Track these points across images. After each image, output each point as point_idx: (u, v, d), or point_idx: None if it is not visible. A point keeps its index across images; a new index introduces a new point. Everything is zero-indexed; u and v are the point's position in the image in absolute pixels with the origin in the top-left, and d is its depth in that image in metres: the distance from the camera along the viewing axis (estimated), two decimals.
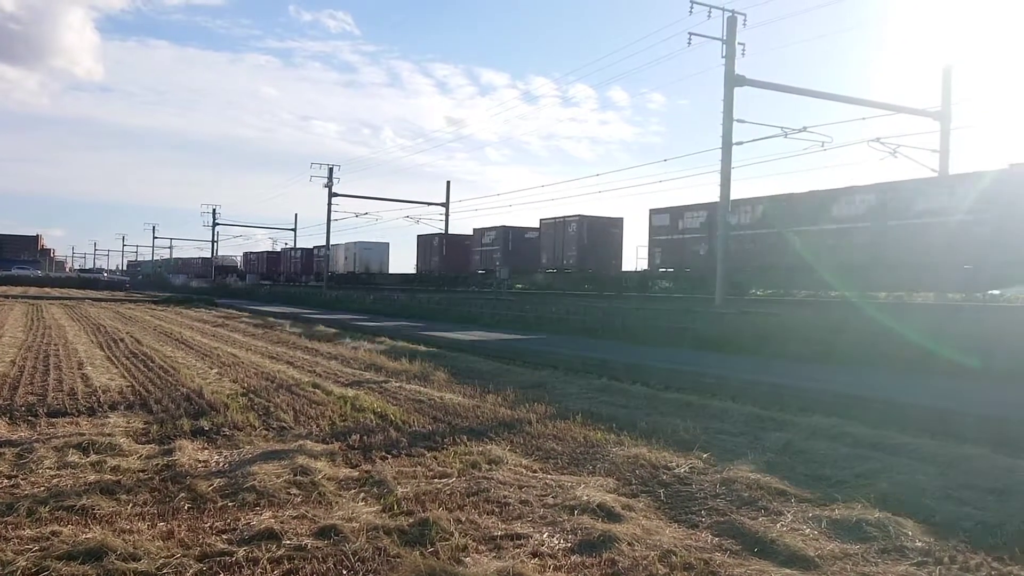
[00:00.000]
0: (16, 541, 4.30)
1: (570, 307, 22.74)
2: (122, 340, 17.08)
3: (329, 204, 52.69)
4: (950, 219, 19.27)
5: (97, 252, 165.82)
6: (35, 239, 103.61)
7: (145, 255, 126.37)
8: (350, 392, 10.00)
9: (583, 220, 33.53)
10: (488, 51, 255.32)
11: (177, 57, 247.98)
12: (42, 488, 5.37)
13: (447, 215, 52.06)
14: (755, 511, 5.17)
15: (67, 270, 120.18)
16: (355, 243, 55.61)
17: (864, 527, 4.76)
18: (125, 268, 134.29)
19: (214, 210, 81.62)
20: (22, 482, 5.52)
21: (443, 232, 48.43)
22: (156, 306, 37.85)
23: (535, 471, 6.23)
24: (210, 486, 5.48)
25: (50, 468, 5.89)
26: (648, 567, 4.13)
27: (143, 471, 5.94)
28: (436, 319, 27.50)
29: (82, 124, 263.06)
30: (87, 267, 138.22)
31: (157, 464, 6.14)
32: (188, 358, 13.97)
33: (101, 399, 9.10)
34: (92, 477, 5.68)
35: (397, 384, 11.11)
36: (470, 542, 4.45)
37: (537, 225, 37.28)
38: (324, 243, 54.95)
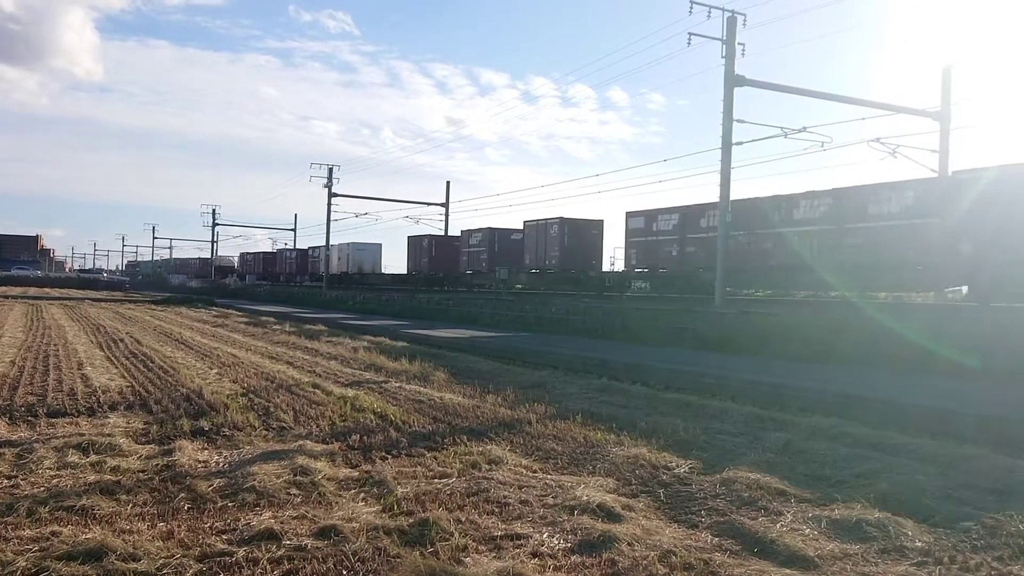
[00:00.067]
0: (16, 541, 4.30)
1: (570, 307, 22.73)
2: (122, 340, 17.08)
3: (329, 204, 52.70)
4: (901, 222, 20.30)
5: (97, 252, 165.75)
6: (35, 239, 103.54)
7: (145, 255, 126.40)
8: (350, 392, 10.00)
9: (564, 222, 34.59)
10: (488, 51, 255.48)
11: (177, 57, 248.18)
12: (42, 488, 5.37)
13: (447, 215, 52.12)
14: (755, 511, 5.17)
15: (67, 270, 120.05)
16: (348, 244, 55.97)
17: (864, 527, 4.76)
18: (124, 268, 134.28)
19: (214, 210, 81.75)
20: (22, 482, 5.53)
21: (432, 234, 49.07)
22: (156, 306, 37.86)
23: (535, 471, 6.24)
24: (210, 486, 5.48)
25: (50, 468, 5.90)
26: (648, 567, 4.14)
27: (143, 471, 5.94)
28: (435, 319, 27.49)
29: (82, 124, 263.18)
30: (87, 267, 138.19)
31: (157, 464, 6.14)
32: (188, 358, 13.98)
33: (101, 399, 9.10)
34: (92, 477, 5.69)
35: (397, 384, 11.11)
36: (470, 542, 4.45)
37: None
38: (320, 243, 55.29)
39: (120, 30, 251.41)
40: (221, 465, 6.15)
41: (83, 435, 6.99)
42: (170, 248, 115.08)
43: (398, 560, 4.13)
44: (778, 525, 4.85)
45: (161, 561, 4.05)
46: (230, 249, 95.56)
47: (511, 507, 5.19)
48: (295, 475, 5.80)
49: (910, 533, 4.66)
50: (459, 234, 44.29)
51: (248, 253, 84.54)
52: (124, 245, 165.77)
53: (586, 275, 34.12)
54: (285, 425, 7.91)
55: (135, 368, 12.24)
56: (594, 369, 13.43)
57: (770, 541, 4.51)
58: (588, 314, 21.14)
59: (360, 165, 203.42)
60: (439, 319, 27.50)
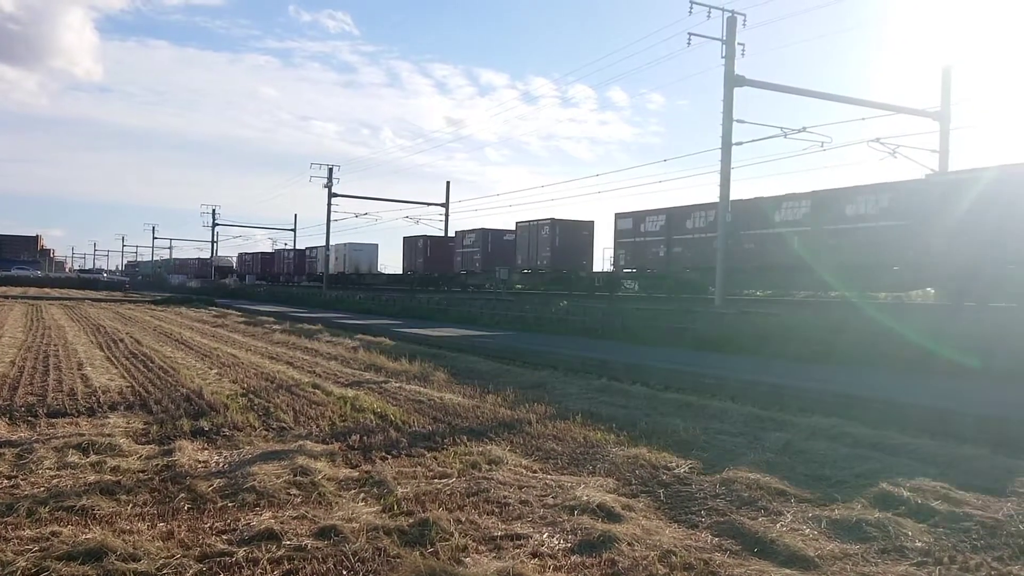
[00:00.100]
0: (16, 541, 4.30)
1: (570, 307, 22.73)
2: (122, 340, 17.08)
3: (329, 204, 52.72)
4: (876, 224, 20.87)
5: (97, 252, 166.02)
6: (35, 239, 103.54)
7: (145, 255, 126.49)
8: (350, 392, 9.99)
9: (555, 223, 35.39)
10: (487, 51, 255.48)
11: (176, 57, 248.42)
12: (42, 488, 5.37)
13: (447, 215, 52.17)
14: (755, 511, 5.17)
15: (67, 270, 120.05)
16: (345, 244, 56.30)
17: (864, 527, 4.76)
18: (124, 268, 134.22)
19: (214, 210, 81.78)
20: (22, 482, 5.52)
21: (427, 234, 49.70)
22: (155, 306, 37.86)
23: (535, 471, 6.23)
24: (210, 486, 5.48)
25: (50, 468, 5.89)
26: (648, 567, 4.13)
27: (143, 471, 5.94)
28: (434, 319, 27.48)
29: (81, 124, 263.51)
30: (87, 267, 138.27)
31: (157, 464, 6.14)
32: (188, 358, 13.97)
33: (101, 399, 9.09)
34: (92, 477, 5.68)
35: (397, 384, 11.11)
36: (470, 542, 4.45)
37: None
38: (317, 244, 55.56)
39: (120, 30, 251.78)
40: (221, 465, 6.15)
41: (83, 435, 6.98)
42: (170, 248, 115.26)
43: (398, 560, 4.13)
44: (778, 525, 4.85)
45: (161, 561, 4.05)
46: (230, 249, 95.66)
47: (511, 507, 5.19)
48: (295, 475, 5.79)
49: (910, 533, 4.67)
50: (453, 234, 45.26)
51: (247, 253, 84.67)
52: (124, 245, 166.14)
53: (576, 275, 34.96)
54: (285, 425, 7.91)
55: (135, 368, 12.24)
56: (594, 369, 13.43)
57: (770, 541, 4.51)
58: (588, 314, 21.14)
59: (360, 165, 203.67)
60: (438, 319, 27.49)
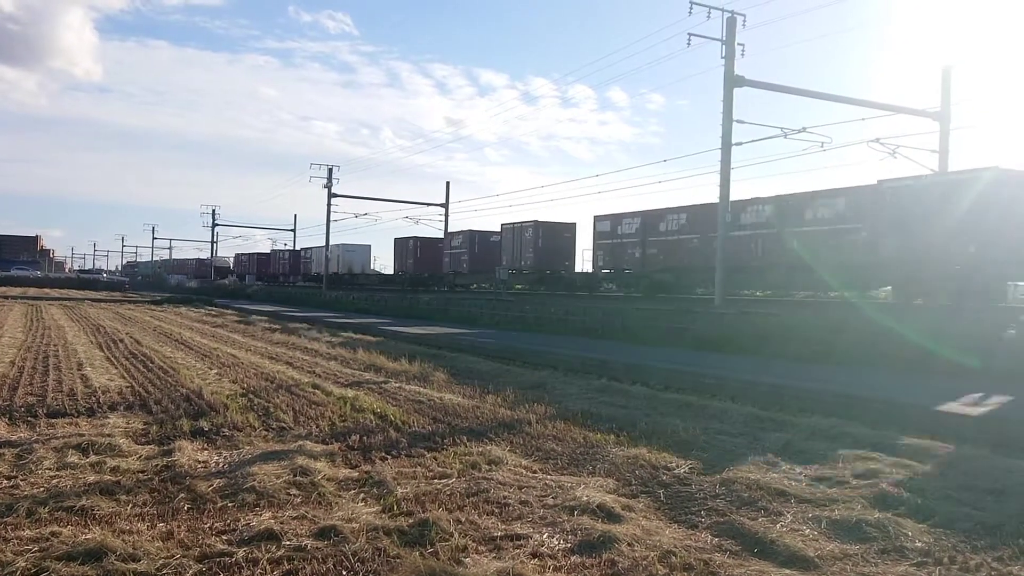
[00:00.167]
0: (16, 542, 4.30)
1: (569, 307, 22.73)
2: (121, 341, 17.07)
3: (329, 205, 52.67)
4: (834, 227, 21.88)
5: (96, 252, 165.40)
6: (34, 239, 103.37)
7: (144, 256, 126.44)
8: (350, 393, 9.99)
9: (539, 225, 36.60)
10: (487, 51, 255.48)
11: (176, 57, 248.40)
12: (42, 489, 5.37)
13: (447, 215, 52.02)
14: (755, 511, 5.17)
15: (66, 271, 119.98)
16: (338, 245, 56.74)
17: (864, 527, 4.76)
18: (124, 269, 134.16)
19: (213, 211, 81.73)
20: (22, 483, 5.52)
21: (418, 235, 50.30)
22: (155, 306, 37.83)
23: (535, 471, 6.23)
24: (210, 487, 5.48)
25: (50, 469, 5.89)
26: (648, 567, 4.13)
27: (143, 472, 5.93)
28: (433, 319, 27.47)
29: (81, 124, 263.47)
30: (86, 268, 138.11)
31: (157, 465, 6.13)
32: (187, 358, 13.97)
33: (101, 400, 9.09)
34: (92, 478, 5.68)
35: (397, 384, 11.11)
36: (470, 542, 4.45)
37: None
38: (315, 244, 55.74)
39: (119, 30, 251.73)
40: (221, 465, 6.14)
41: (83, 435, 6.98)
42: (169, 248, 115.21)
43: (398, 560, 4.13)
44: (778, 525, 4.85)
45: (161, 561, 4.05)
46: (230, 249, 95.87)
47: (511, 507, 5.19)
48: (295, 475, 5.79)
49: (910, 533, 4.66)
50: (442, 235, 46.81)
51: (243, 254, 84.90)
52: (123, 245, 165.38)
53: (558, 275, 36.28)
54: (285, 425, 7.90)
55: (135, 368, 12.24)
56: (594, 369, 13.43)
57: (770, 541, 4.51)
58: (588, 314, 21.15)
59: (360, 165, 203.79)
60: (437, 319, 27.49)
